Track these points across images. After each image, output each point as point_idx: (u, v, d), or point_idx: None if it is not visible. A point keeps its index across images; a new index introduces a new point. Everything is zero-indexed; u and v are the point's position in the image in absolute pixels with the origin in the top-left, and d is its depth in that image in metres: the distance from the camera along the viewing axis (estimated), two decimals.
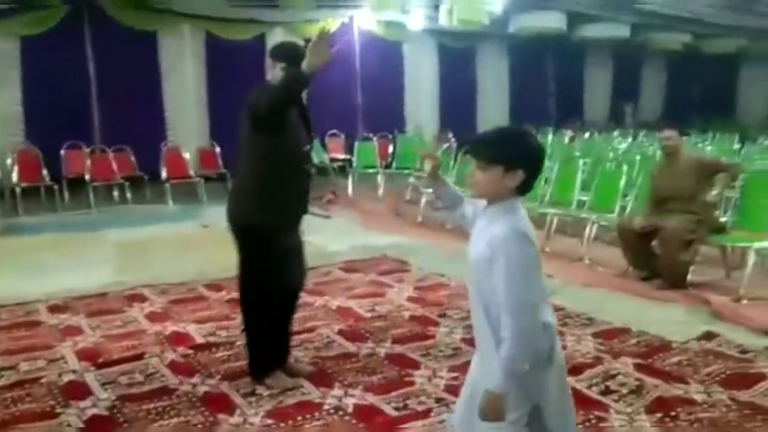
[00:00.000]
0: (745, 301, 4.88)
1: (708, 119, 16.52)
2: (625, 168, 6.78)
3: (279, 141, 3.32)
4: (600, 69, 17.07)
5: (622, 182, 6.61)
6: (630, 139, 11.96)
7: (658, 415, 3.17)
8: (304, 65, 3.05)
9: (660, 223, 5.38)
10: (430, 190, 6.24)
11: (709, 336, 4.22)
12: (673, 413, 3.18)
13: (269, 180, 3.36)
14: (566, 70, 16.27)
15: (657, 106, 17.94)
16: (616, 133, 13.38)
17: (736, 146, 10.45)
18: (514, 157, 2.00)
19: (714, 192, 5.39)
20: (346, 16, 12.69)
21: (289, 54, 3.34)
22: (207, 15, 11.21)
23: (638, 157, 7.73)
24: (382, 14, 12.21)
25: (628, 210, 6.46)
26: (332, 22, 12.60)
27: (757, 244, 5.13)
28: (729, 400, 3.31)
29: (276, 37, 12.13)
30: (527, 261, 1.96)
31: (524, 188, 2.04)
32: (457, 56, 14.54)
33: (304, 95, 3.46)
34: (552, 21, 12.91)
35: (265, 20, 11.87)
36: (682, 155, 5.58)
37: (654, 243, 5.52)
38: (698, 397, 3.36)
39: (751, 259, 5.12)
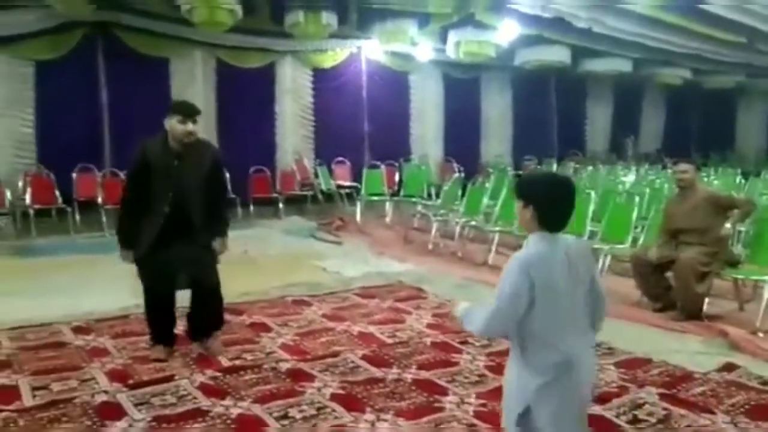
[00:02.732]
0: (761, 334, 4.96)
1: (706, 153, 16.76)
2: (636, 200, 6.89)
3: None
4: (601, 102, 17.29)
5: (634, 214, 6.72)
6: (634, 172, 12.13)
7: None
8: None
9: (675, 255, 5.47)
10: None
11: (730, 367, 4.29)
12: None
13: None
14: (568, 102, 16.43)
15: (657, 140, 18.19)
16: (620, 166, 13.59)
17: (740, 180, 10.60)
18: (524, 195, 2.34)
19: (727, 226, 5.49)
20: (354, 46, 12.90)
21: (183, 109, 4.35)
22: (219, 43, 11.37)
23: (647, 190, 7.84)
24: (390, 46, 12.39)
25: (640, 242, 6.55)
26: (341, 52, 12.84)
27: None
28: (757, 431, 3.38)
29: (286, 66, 12.38)
30: (512, 282, 2.22)
31: (544, 222, 2.29)
32: (462, 87, 14.69)
33: None
34: (557, 55, 13.10)
35: (276, 49, 12.04)
36: (696, 189, 5.67)
37: (668, 274, 5.61)
38: (726, 428, 3.42)
39: (766, 292, 5.20)
